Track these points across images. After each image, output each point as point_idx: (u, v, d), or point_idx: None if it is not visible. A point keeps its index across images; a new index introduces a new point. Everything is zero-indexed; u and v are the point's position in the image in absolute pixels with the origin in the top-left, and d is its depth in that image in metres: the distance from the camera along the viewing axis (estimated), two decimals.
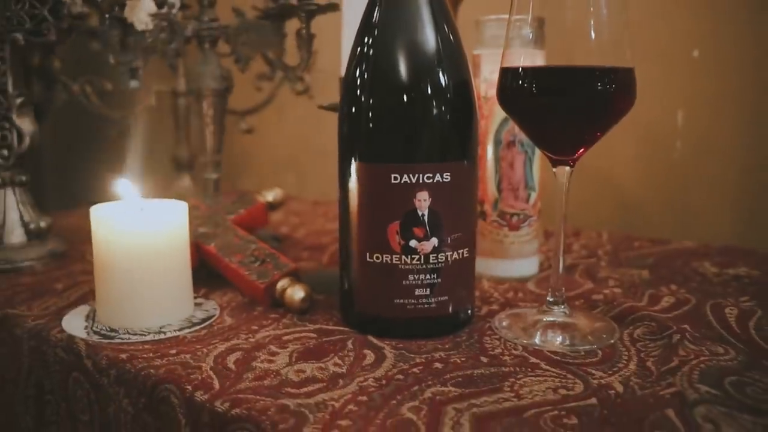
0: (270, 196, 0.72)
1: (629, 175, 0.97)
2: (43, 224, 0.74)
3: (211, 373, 0.44)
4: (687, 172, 0.93)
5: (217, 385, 0.42)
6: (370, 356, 0.47)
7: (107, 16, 0.64)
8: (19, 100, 0.72)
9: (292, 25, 0.72)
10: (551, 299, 0.52)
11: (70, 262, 0.74)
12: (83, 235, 0.85)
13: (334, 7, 0.66)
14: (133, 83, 0.74)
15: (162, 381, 0.44)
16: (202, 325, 0.53)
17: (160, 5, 0.69)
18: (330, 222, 0.95)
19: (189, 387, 0.43)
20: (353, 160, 0.50)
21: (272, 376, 0.44)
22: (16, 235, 0.73)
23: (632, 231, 0.90)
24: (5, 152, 0.73)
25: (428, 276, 0.49)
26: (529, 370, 0.44)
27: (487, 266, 0.66)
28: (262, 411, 0.39)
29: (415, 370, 0.44)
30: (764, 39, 0.86)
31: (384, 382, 0.43)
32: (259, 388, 0.42)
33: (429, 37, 0.49)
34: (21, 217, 0.74)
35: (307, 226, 0.92)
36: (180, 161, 1.02)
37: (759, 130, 0.88)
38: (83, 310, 0.58)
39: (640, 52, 0.94)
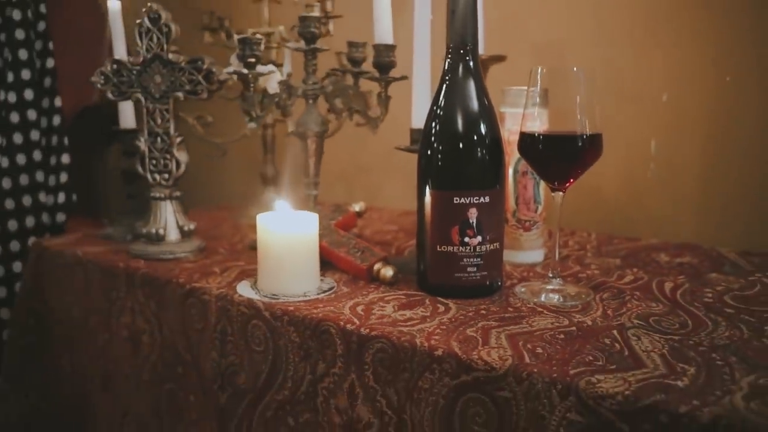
0: (357, 207, 1.05)
1: (614, 188, 1.30)
2: (192, 226, 1.08)
3: (350, 315, 0.78)
4: (657, 186, 1.26)
5: (357, 321, 0.76)
6: (441, 308, 0.80)
7: (252, 85, 0.97)
8: (178, 139, 1.05)
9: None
10: (551, 275, 0.86)
11: (211, 254, 1.08)
12: (206, 234, 1.19)
13: (405, 78, 1.00)
14: (252, 125, 1.08)
15: (322, 320, 0.78)
16: (330, 292, 0.87)
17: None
18: (386, 224, 1.28)
19: (341, 322, 0.76)
20: (428, 188, 0.83)
21: (387, 317, 0.77)
22: (173, 234, 1.07)
23: (614, 231, 1.24)
24: (166, 176, 1.06)
25: (475, 259, 0.83)
26: (537, 314, 0.78)
27: (509, 255, 0.99)
28: (389, 333, 0.72)
29: (469, 314, 0.78)
30: (715, 87, 1.19)
31: (453, 319, 0.76)
32: (382, 323, 0.76)
33: (475, 106, 0.83)
34: (176, 221, 1.07)
35: (370, 227, 1.26)
36: (266, 177, 1.36)
37: (712, 155, 1.21)
38: (246, 283, 0.91)
39: (624, 95, 1.26)
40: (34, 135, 1.58)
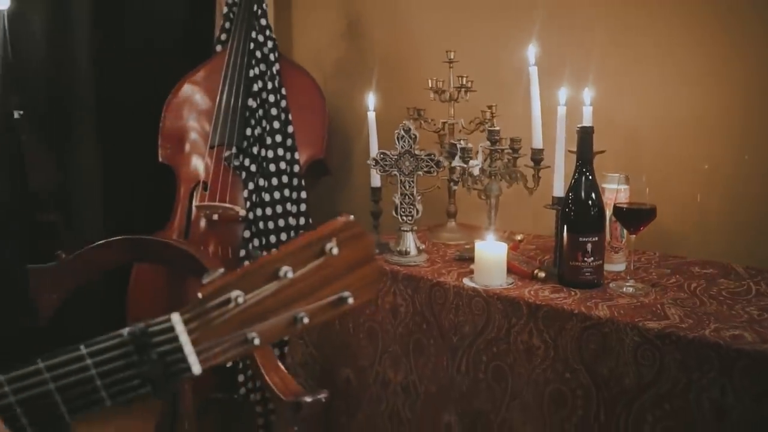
0: (519, 237, 2.00)
1: (670, 224, 2.20)
2: (422, 246, 2.05)
3: (529, 295, 1.72)
4: (698, 223, 2.15)
5: (533, 299, 1.71)
6: (573, 293, 1.74)
7: (464, 171, 1.92)
8: (418, 197, 2.02)
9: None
10: (629, 278, 1.79)
11: (434, 263, 2.04)
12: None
13: (548, 167, 1.94)
14: (455, 187, 2.03)
15: (516, 297, 1.72)
16: (512, 285, 1.81)
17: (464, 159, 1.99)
18: (524, 245, 2.23)
19: (525, 298, 1.71)
20: (565, 231, 1.78)
21: (548, 296, 1.71)
22: (413, 251, 2.03)
23: (668, 251, 2.14)
24: (410, 218, 2.03)
25: (590, 269, 1.76)
26: (621, 297, 1.70)
27: (606, 266, 1.92)
28: (550, 303, 1.67)
29: (587, 296, 1.71)
30: (738, 163, 2.08)
31: (580, 298, 1.70)
32: (546, 299, 1.70)
33: (591, 190, 1.77)
34: (415, 243, 2.04)
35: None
36: (450, 213, 2.32)
37: (736, 204, 2.09)
38: (467, 279, 1.87)
39: (681, 165, 2.20)
40: (284, 179, 2.59)
